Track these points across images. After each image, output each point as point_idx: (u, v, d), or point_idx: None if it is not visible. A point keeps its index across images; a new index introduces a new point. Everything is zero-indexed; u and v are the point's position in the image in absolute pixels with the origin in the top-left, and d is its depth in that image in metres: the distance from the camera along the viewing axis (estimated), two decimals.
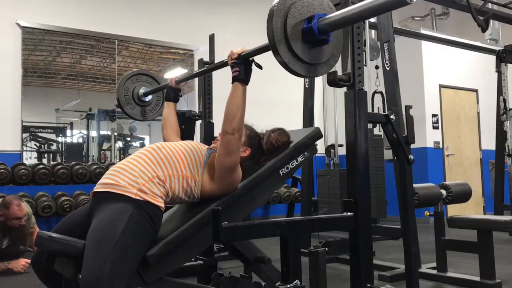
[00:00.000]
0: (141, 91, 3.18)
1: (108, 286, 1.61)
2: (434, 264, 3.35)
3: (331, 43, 1.75)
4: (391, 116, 2.48)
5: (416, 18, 8.94)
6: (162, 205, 1.88)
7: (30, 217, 3.98)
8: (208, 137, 3.50)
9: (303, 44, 1.68)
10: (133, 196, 1.81)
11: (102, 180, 1.92)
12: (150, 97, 3.23)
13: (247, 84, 1.94)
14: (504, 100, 5.43)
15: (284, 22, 1.65)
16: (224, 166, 1.96)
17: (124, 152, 7.07)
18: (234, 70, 1.93)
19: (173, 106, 2.60)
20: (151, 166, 1.92)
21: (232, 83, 1.94)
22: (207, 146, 2.15)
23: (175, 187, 1.95)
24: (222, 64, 2.27)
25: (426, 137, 6.50)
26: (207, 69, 2.68)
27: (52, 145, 6.69)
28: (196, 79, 4.77)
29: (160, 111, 3.24)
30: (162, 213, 1.90)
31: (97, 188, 1.91)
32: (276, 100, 6.97)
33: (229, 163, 1.95)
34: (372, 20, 4.75)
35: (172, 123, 2.53)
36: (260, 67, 2.02)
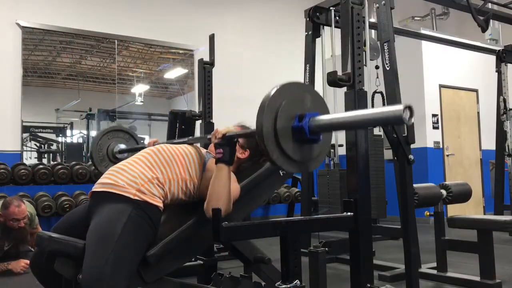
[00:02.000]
0: (116, 148, 2.98)
1: (108, 287, 1.61)
2: (434, 264, 3.35)
3: (320, 142, 1.69)
4: None
5: (416, 18, 8.94)
6: (160, 205, 1.88)
7: (33, 218, 3.95)
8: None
9: (293, 143, 1.62)
10: (132, 197, 1.81)
11: (101, 180, 1.92)
12: (125, 155, 2.98)
13: (231, 165, 1.91)
14: (504, 100, 5.43)
15: (275, 118, 1.58)
16: None
17: None
18: (218, 152, 1.90)
19: None
20: (151, 168, 1.92)
21: (215, 164, 1.91)
22: (205, 150, 2.15)
23: (175, 189, 1.95)
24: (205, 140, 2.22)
25: (426, 137, 6.50)
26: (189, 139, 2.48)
27: (52, 145, 6.70)
28: (196, 79, 4.77)
29: None
30: (161, 213, 1.90)
31: (96, 187, 1.91)
32: None
33: None
34: (372, 20, 4.75)
35: None
36: (245, 149, 2.06)
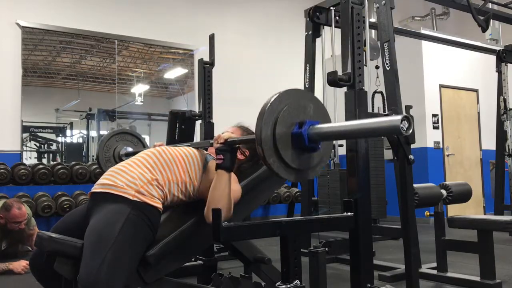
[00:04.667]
0: (123, 151, 3.00)
1: (105, 287, 1.60)
2: (434, 264, 3.35)
3: (319, 151, 1.69)
4: None
5: (416, 18, 8.95)
6: (160, 206, 1.88)
7: (30, 219, 4.00)
8: (208, 137, 3.50)
9: (292, 150, 1.62)
10: (131, 198, 1.81)
11: (100, 181, 1.92)
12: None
13: (231, 171, 1.92)
14: (504, 100, 5.43)
15: (275, 123, 1.58)
16: None
17: None
18: (218, 157, 1.90)
19: None
20: (151, 169, 1.91)
21: (216, 170, 1.91)
22: (206, 152, 2.15)
23: (174, 191, 1.95)
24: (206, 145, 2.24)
25: (426, 137, 6.49)
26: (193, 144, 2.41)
27: (52, 145, 6.69)
28: (196, 79, 4.77)
29: None
30: (160, 215, 1.90)
31: (95, 188, 1.90)
32: None
33: None
34: (372, 20, 4.75)
35: None
36: (244, 154, 2.05)
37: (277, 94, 1.62)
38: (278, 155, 1.59)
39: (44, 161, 6.28)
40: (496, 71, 5.53)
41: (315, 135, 1.61)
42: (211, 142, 2.02)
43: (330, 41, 4.23)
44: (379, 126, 1.50)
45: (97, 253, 1.65)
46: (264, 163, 1.60)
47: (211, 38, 3.72)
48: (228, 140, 1.89)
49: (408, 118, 1.41)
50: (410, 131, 1.42)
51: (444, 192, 3.32)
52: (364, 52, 2.29)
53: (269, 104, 1.59)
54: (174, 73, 7.35)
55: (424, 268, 3.35)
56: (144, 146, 3.09)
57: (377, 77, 4.56)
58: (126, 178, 1.86)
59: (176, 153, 2.03)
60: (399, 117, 1.41)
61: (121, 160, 2.98)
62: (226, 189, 1.88)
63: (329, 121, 1.76)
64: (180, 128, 3.63)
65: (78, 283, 1.63)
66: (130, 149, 3.02)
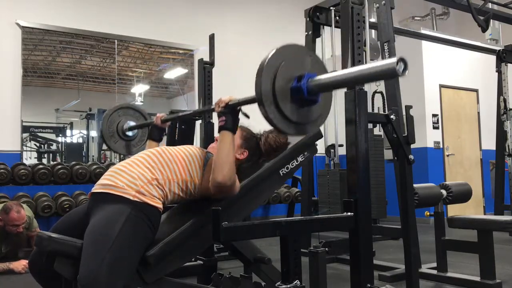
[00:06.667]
0: (126, 125, 3.04)
1: (105, 287, 1.60)
2: (434, 264, 3.35)
3: (319, 103, 1.70)
4: (391, 116, 2.48)
5: (416, 18, 8.95)
6: (160, 206, 1.88)
7: (31, 221, 4.01)
8: (208, 137, 3.50)
9: (291, 104, 1.63)
10: (131, 198, 1.81)
11: (100, 181, 1.91)
12: (135, 131, 3.08)
13: (234, 133, 1.94)
14: (504, 100, 5.43)
15: (274, 78, 1.58)
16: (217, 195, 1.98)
17: None
18: (221, 120, 1.93)
19: (155, 146, 2.48)
20: (151, 169, 1.91)
21: (218, 131, 1.94)
22: (206, 150, 2.15)
23: (175, 190, 1.94)
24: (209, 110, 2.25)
25: (426, 137, 6.50)
26: (195, 112, 2.50)
27: (52, 145, 6.69)
28: (196, 79, 4.77)
29: (144, 147, 3.14)
30: (160, 214, 1.90)
31: (95, 188, 1.90)
32: None
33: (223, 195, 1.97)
34: (372, 20, 4.75)
35: None
36: (247, 116, 2.04)
37: (274, 50, 1.62)
38: (278, 110, 1.60)
39: (44, 161, 6.28)
40: (496, 71, 5.54)
41: (314, 86, 1.62)
42: (212, 107, 2.04)
43: (330, 41, 4.23)
44: (376, 70, 1.48)
45: (97, 253, 1.65)
46: (265, 118, 1.60)
47: (211, 38, 3.72)
48: (229, 103, 1.92)
49: (404, 60, 1.40)
50: (407, 72, 1.41)
51: (444, 192, 3.31)
52: (364, 52, 2.29)
53: (267, 60, 1.59)
54: (174, 73, 7.35)
55: (424, 268, 3.35)
56: (145, 119, 3.12)
57: None
58: (127, 179, 1.86)
59: (176, 152, 2.03)
60: (394, 59, 1.40)
61: (125, 134, 3.04)
62: (230, 150, 1.91)
63: (326, 72, 1.75)
64: (180, 128, 3.63)
65: (78, 283, 1.63)
66: (132, 123, 3.06)
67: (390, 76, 1.48)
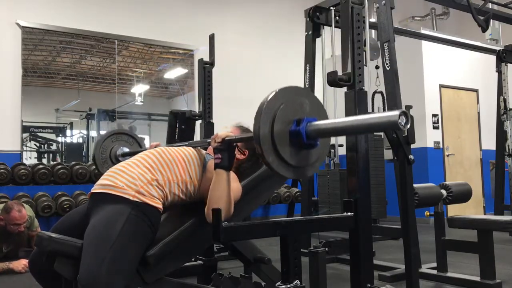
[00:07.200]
0: (120, 151, 3.00)
1: (105, 287, 1.60)
2: (434, 264, 3.35)
3: (317, 148, 1.69)
4: None
5: (416, 18, 8.95)
6: (160, 206, 1.88)
7: (32, 221, 4.01)
8: (208, 137, 3.49)
9: (290, 148, 1.62)
10: (131, 198, 1.80)
11: (100, 181, 1.91)
12: (127, 158, 2.95)
13: (229, 170, 1.91)
14: (504, 100, 5.43)
15: (272, 121, 1.58)
16: None
17: None
18: (216, 157, 1.89)
19: None
20: (151, 170, 1.91)
21: (214, 169, 1.90)
22: (204, 152, 2.15)
23: (175, 191, 1.94)
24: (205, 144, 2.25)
25: (426, 137, 6.50)
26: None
27: (52, 145, 6.69)
28: (196, 79, 4.77)
29: None
30: (160, 215, 1.90)
31: (95, 189, 1.90)
32: None
33: None
34: (372, 20, 4.75)
35: None
36: (244, 154, 2.08)
37: (273, 93, 1.62)
38: (277, 154, 1.59)
39: (44, 161, 6.28)
40: (496, 71, 5.54)
41: (313, 132, 1.61)
42: (208, 141, 2.02)
43: (330, 41, 4.23)
44: (377, 121, 1.49)
45: (97, 253, 1.65)
46: (264, 161, 1.60)
47: (211, 38, 3.73)
48: (226, 138, 1.87)
49: (406, 113, 1.41)
50: (408, 125, 1.42)
51: (444, 192, 3.32)
52: (364, 52, 2.29)
53: (266, 103, 1.58)
54: (174, 73, 7.35)
55: (424, 268, 3.35)
56: (140, 146, 3.09)
57: (377, 77, 4.56)
58: (126, 179, 1.86)
59: (176, 153, 2.02)
60: (397, 112, 1.41)
61: (118, 160, 2.97)
62: (226, 189, 1.87)
63: (326, 117, 1.75)
64: (180, 128, 3.63)
65: (78, 283, 1.63)
66: (126, 149, 3.02)
67: (391, 129, 1.47)
